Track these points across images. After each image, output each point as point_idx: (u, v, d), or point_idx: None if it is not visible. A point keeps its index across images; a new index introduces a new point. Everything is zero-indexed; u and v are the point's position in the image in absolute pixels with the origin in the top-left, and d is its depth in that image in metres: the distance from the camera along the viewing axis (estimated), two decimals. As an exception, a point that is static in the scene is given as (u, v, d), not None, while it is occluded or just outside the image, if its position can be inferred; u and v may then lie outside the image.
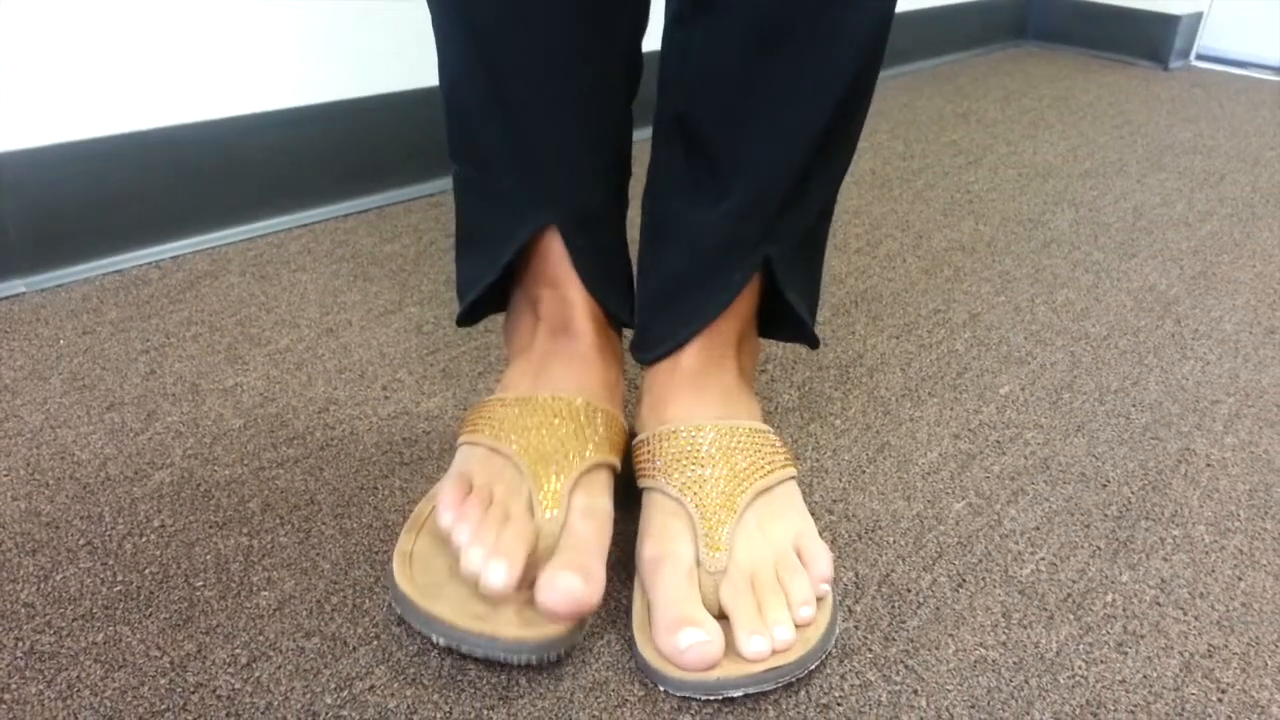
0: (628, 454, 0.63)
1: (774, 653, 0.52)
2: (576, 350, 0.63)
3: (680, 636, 0.51)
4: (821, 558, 0.56)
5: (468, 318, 0.68)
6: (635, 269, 0.68)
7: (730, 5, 0.55)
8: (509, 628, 0.51)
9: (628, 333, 0.68)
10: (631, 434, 0.65)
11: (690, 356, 0.62)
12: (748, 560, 0.55)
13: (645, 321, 0.65)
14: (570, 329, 0.64)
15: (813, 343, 0.67)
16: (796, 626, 0.53)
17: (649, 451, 0.60)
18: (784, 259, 0.62)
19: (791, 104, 0.57)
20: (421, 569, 0.55)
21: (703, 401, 0.61)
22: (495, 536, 0.53)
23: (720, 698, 0.52)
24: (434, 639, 0.52)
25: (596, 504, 0.57)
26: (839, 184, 0.64)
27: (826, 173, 0.61)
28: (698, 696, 0.52)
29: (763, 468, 0.58)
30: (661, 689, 0.52)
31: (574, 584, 0.50)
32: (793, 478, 0.60)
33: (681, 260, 0.62)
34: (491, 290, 0.65)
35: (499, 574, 0.51)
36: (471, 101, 0.61)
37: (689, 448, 0.59)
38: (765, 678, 0.52)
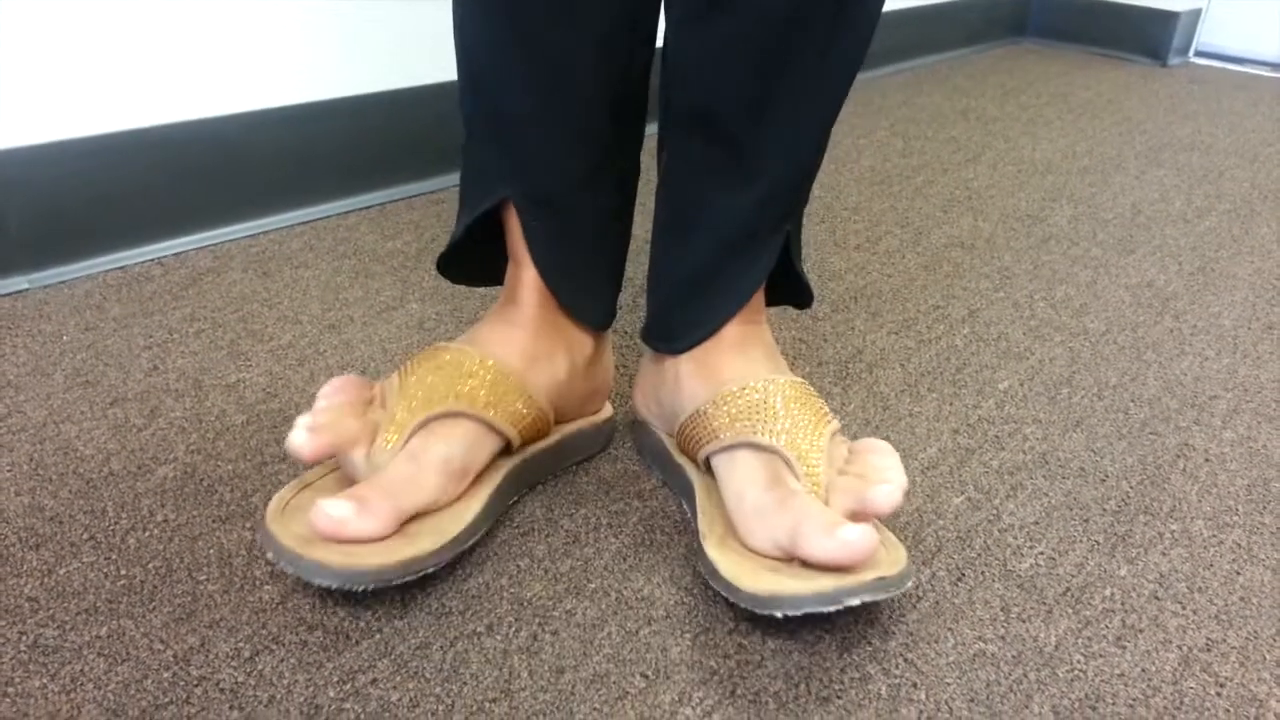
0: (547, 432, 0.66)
1: (903, 492, 0.56)
2: (510, 317, 0.65)
3: (842, 531, 0.52)
4: (895, 470, 0.59)
5: (446, 266, 0.68)
6: (649, 263, 0.68)
7: (746, 3, 0.56)
8: (320, 550, 0.53)
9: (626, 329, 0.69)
10: (542, 423, 0.65)
11: (731, 329, 0.64)
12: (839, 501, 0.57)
13: (668, 311, 0.66)
14: (514, 299, 0.65)
15: (809, 300, 0.69)
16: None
17: (719, 410, 0.61)
18: (795, 236, 0.65)
19: (813, 93, 0.59)
20: (293, 502, 0.58)
21: (753, 360, 0.63)
22: (326, 417, 0.57)
23: (841, 606, 0.52)
24: (267, 555, 0.56)
25: (431, 449, 0.58)
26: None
27: (825, 147, 0.64)
28: (820, 609, 0.52)
29: (824, 417, 0.61)
30: (779, 614, 0.52)
31: (336, 509, 0.53)
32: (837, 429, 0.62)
33: (707, 248, 0.63)
34: (462, 251, 0.67)
35: (299, 435, 0.55)
36: (458, 69, 0.63)
37: (760, 401, 0.60)
38: (876, 586, 0.52)
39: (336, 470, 0.61)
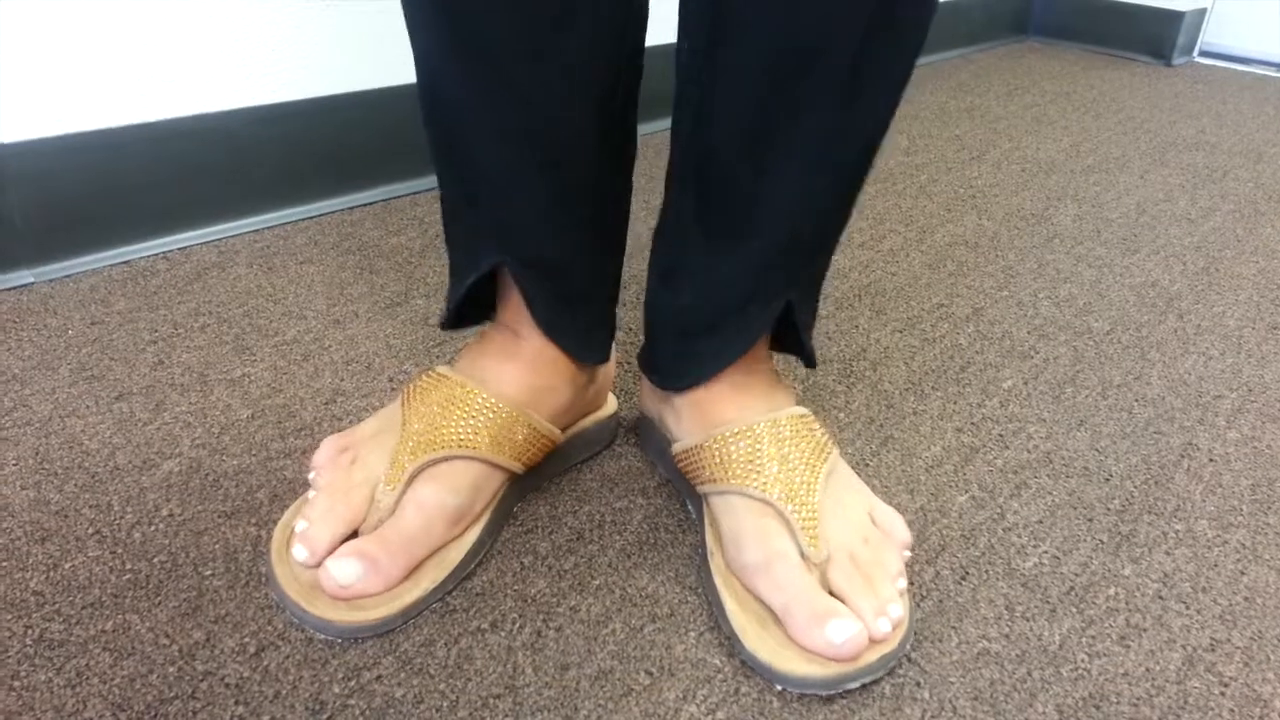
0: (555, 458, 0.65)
1: (894, 627, 0.54)
2: (512, 350, 0.63)
3: (830, 630, 0.52)
4: (899, 524, 0.58)
5: (450, 325, 0.65)
6: (645, 293, 0.66)
7: (741, 55, 0.51)
8: (323, 604, 0.54)
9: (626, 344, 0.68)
10: (548, 444, 0.64)
11: (727, 374, 0.62)
12: (842, 543, 0.56)
13: (661, 349, 0.65)
14: (515, 332, 0.63)
15: (812, 364, 0.65)
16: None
17: (710, 455, 0.60)
18: (802, 300, 0.61)
19: (828, 144, 0.53)
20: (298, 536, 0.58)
21: (750, 401, 0.61)
22: (322, 511, 0.56)
23: (841, 691, 0.52)
24: (269, 594, 0.56)
25: (435, 499, 0.57)
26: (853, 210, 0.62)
27: (846, 220, 0.59)
28: (821, 693, 0.52)
29: (821, 451, 0.60)
30: (778, 688, 0.53)
31: (343, 572, 0.54)
32: (836, 454, 0.61)
33: (698, 305, 0.61)
34: (463, 308, 0.64)
35: (300, 553, 0.56)
36: (432, 141, 0.59)
37: (751, 447, 0.59)
38: (878, 666, 0.53)
39: None
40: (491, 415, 0.60)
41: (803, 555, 0.55)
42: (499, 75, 0.53)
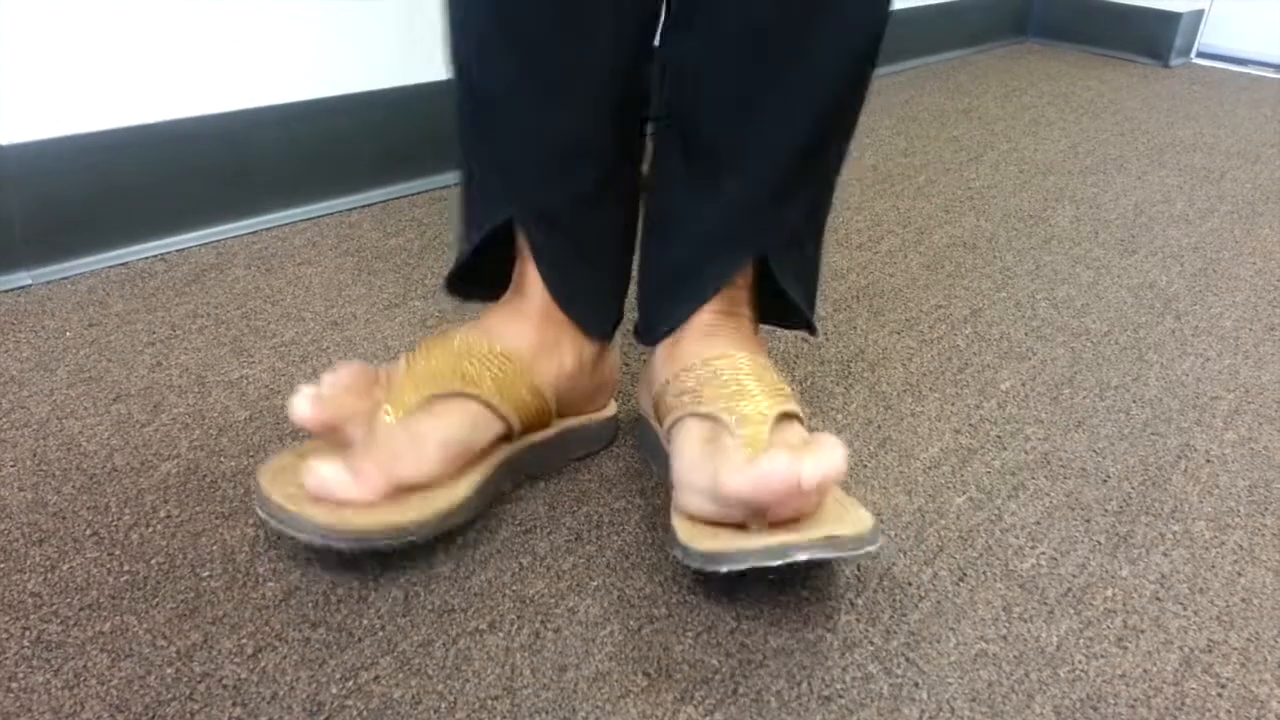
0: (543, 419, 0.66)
1: (826, 478, 0.52)
2: (519, 308, 0.65)
3: (760, 462, 0.52)
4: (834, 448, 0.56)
5: (454, 285, 0.69)
6: (637, 261, 0.69)
7: (719, 11, 0.57)
8: (308, 507, 0.54)
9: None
10: (544, 412, 0.65)
11: (700, 318, 0.64)
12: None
13: (647, 306, 0.68)
14: (522, 292, 0.66)
15: (812, 330, 0.69)
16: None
17: (673, 388, 0.62)
18: (779, 253, 0.64)
19: (778, 107, 0.59)
20: (289, 466, 0.58)
21: (714, 343, 0.63)
22: (329, 389, 0.58)
23: (786, 562, 0.52)
24: (258, 511, 0.57)
25: (432, 427, 0.59)
26: (835, 177, 0.66)
27: (819, 167, 0.64)
28: (766, 563, 0.52)
29: (779, 394, 0.60)
30: (723, 569, 0.53)
31: (328, 471, 0.55)
32: (800, 417, 0.61)
33: (678, 249, 0.65)
34: (471, 270, 0.67)
35: (301, 403, 0.57)
36: (458, 93, 0.63)
37: (710, 374, 0.61)
38: (825, 545, 0.52)
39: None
40: (492, 362, 0.62)
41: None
42: (535, 51, 0.59)
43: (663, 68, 0.62)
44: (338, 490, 0.55)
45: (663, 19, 0.61)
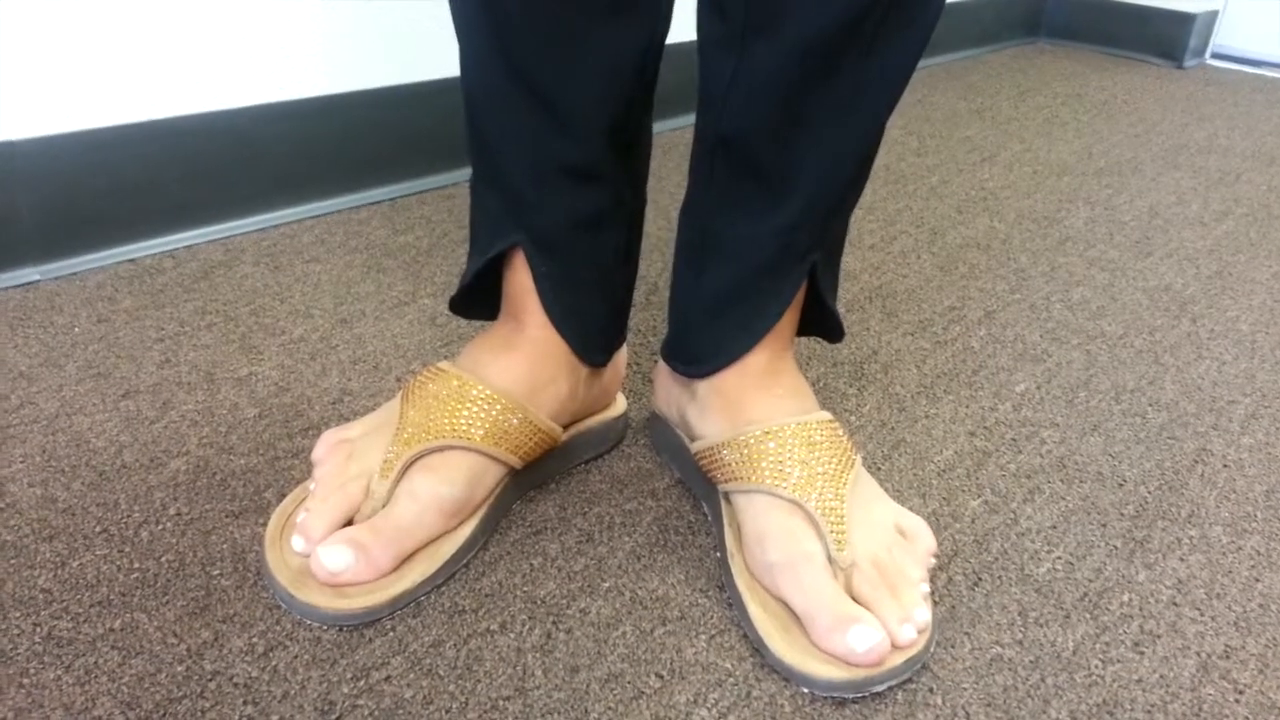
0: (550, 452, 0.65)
1: (919, 633, 0.54)
2: (513, 340, 0.63)
3: (851, 635, 0.52)
4: (925, 531, 0.58)
5: (457, 306, 0.67)
6: (671, 282, 0.67)
7: (782, 29, 0.53)
8: (311, 590, 0.54)
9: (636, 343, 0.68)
10: (549, 442, 0.64)
11: (757, 358, 0.62)
12: (868, 550, 0.56)
13: (687, 334, 0.65)
14: (517, 318, 0.64)
15: (840, 335, 0.67)
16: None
17: (737, 453, 0.59)
18: (823, 261, 0.62)
19: (844, 124, 0.56)
20: (288, 523, 0.59)
21: (777, 400, 0.61)
22: (320, 500, 0.57)
23: (868, 694, 0.52)
24: (265, 582, 0.57)
25: (430, 490, 0.58)
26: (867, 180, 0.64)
27: (864, 180, 0.62)
28: (846, 696, 0.52)
29: (847, 458, 0.59)
30: (805, 690, 0.53)
31: (332, 559, 0.54)
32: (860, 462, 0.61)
33: (729, 275, 0.62)
34: (474, 292, 0.65)
35: (297, 542, 0.56)
36: (467, 116, 0.62)
37: (781, 446, 0.58)
38: (903, 670, 0.53)
39: None
40: (487, 407, 0.60)
41: (829, 559, 0.55)
42: (535, 56, 0.56)
43: (704, 90, 0.59)
44: (346, 577, 0.55)
45: (720, 34, 0.56)
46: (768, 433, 0.59)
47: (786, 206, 0.58)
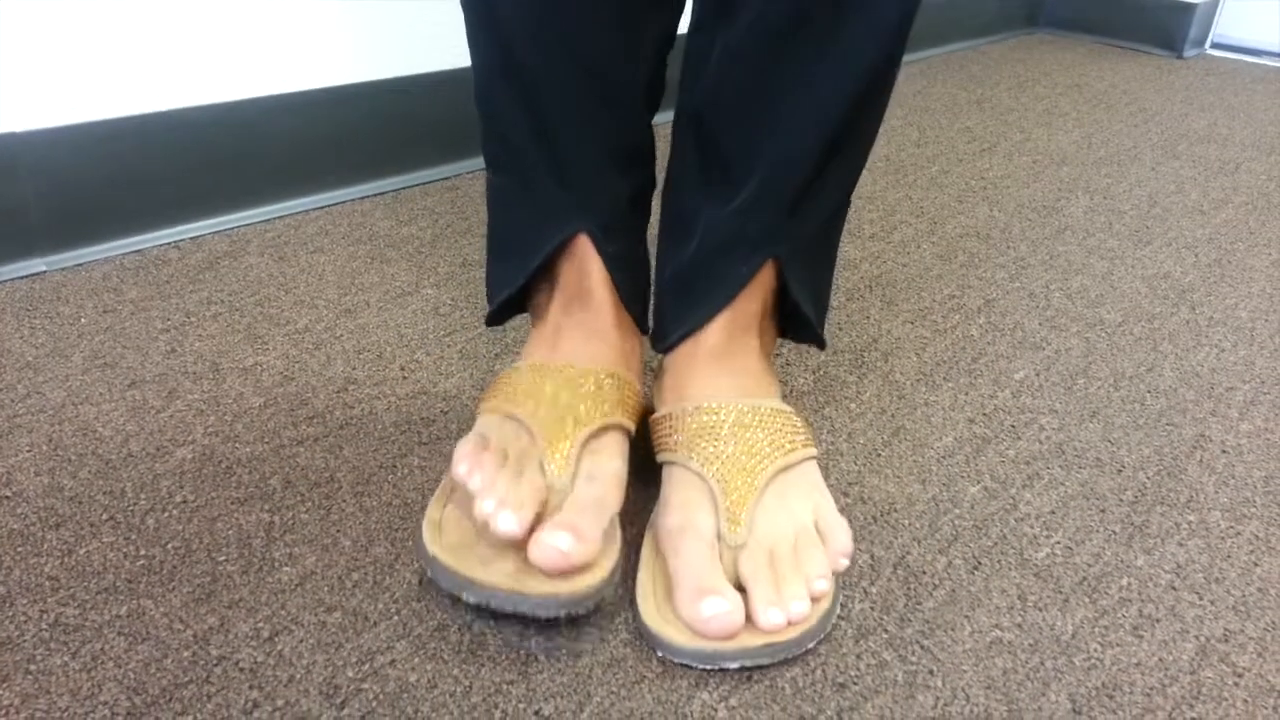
0: (645, 423, 0.64)
1: (789, 624, 0.53)
2: (593, 322, 0.64)
3: (703, 605, 0.52)
4: (841, 532, 0.57)
5: (497, 318, 0.69)
6: (654, 264, 0.69)
7: (738, 13, 0.56)
8: (537, 583, 0.52)
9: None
10: (649, 410, 0.65)
11: (712, 335, 0.63)
12: (767, 535, 0.56)
13: (661, 311, 0.67)
14: (587, 304, 0.64)
15: (819, 344, 0.68)
16: (812, 600, 0.54)
17: (670, 427, 0.61)
18: (794, 259, 0.63)
19: (802, 104, 0.58)
20: (450, 532, 0.56)
21: (724, 379, 0.62)
22: (506, 488, 0.54)
23: (717, 668, 0.52)
24: (465, 597, 0.53)
25: (604, 467, 0.58)
26: (852, 186, 0.65)
27: (838, 173, 0.62)
28: (694, 665, 0.53)
29: (783, 446, 0.59)
30: (658, 654, 0.53)
31: (561, 541, 0.51)
32: (813, 458, 0.61)
33: (689, 253, 0.64)
34: (520, 291, 0.66)
35: (509, 521, 0.52)
36: (503, 107, 0.62)
37: (711, 424, 0.59)
38: (761, 653, 0.52)
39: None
40: (611, 384, 0.61)
41: (719, 536, 0.55)
42: (599, 41, 0.59)
43: (683, 68, 0.62)
44: (575, 558, 0.52)
45: (698, 15, 0.60)
46: (699, 408, 0.60)
47: (743, 191, 0.60)
